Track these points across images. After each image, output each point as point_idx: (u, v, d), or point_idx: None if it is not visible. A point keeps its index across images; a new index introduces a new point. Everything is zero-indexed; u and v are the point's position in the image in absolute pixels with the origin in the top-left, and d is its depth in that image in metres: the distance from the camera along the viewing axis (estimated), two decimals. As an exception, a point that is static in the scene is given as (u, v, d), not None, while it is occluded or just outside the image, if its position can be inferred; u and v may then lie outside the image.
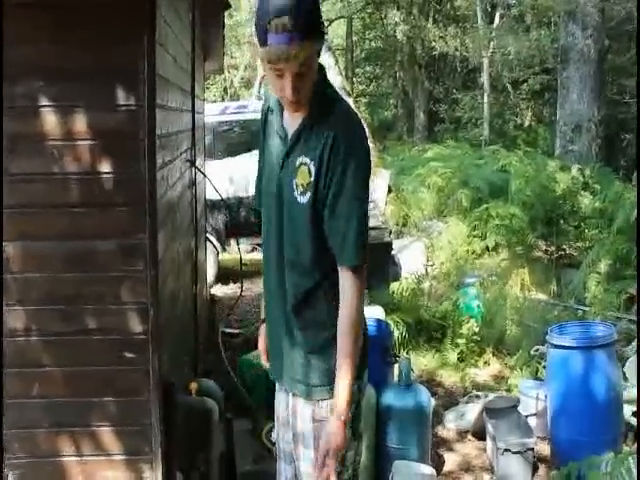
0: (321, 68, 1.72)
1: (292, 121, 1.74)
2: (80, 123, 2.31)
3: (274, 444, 2.01)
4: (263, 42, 1.58)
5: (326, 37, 1.62)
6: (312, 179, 1.68)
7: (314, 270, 1.74)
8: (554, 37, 13.72)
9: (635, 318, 4.29)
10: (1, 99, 2.26)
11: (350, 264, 1.69)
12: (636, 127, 9.36)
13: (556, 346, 3.37)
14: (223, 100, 18.17)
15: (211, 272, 6.41)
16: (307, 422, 1.79)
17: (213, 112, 7.97)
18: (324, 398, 1.76)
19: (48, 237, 2.34)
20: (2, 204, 2.30)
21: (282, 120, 1.77)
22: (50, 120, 2.30)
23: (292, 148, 1.73)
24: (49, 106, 2.30)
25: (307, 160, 1.69)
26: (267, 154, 1.83)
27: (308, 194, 1.69)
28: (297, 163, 1.71)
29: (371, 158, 1.77)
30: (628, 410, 3.45)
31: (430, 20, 17.43)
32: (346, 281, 1.69)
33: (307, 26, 1.57)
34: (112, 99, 2.33)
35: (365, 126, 1.79)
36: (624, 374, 3.70)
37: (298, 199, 1.71)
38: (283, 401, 1.89)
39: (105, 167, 2.34)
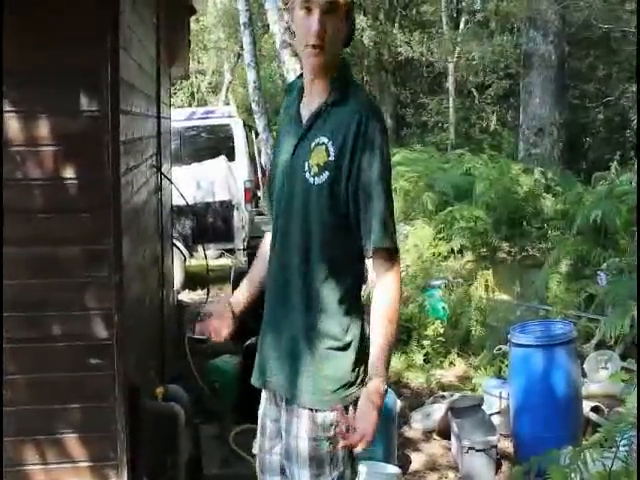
0: (345, 62, 1.75)
1: (309, 105, 1.73)
2: (43, 128, 2.32)
3: (254, 455, 1.92)
4: None
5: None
6: (331, 158, 1.64)
7: (323, 259, 1.66)
8: (517, 43, 13.99)
9: (594, 316, 4.41)
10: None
11: (388, 246, 1.64)
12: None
13: (517, 345, 3.44)
14: (190, 105, 18.09)
15: (178, 278, 6.39)
16: (303, 440, 1.69)
17: (180, 117, 7.98)
18: (324, 409, 1.67)
19: (11, 243, 2.32)
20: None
21: (299, 107, 1.76)
22: (12, 125, 2.30)
23: (307, 130, 1.70)
24: (11, 111, 2.29)
25: (325, 140, 1.66)
26: (280, 151, 1.79)
27: (325, 173, 1.64)
28: (312, 144, 1.67)
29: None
30: (587, 405, 3.54)
31: (396, 26, 17.60)
32: (383, 265, 1.64)
33: None
34: (75, 104, 2.33)
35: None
36: (583, 370, 3.79)
37: (310, 180, 1.65)
38: (273, 413, 1.79)
39: (69, 172, 2.34)
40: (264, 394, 1.85)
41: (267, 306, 1.80)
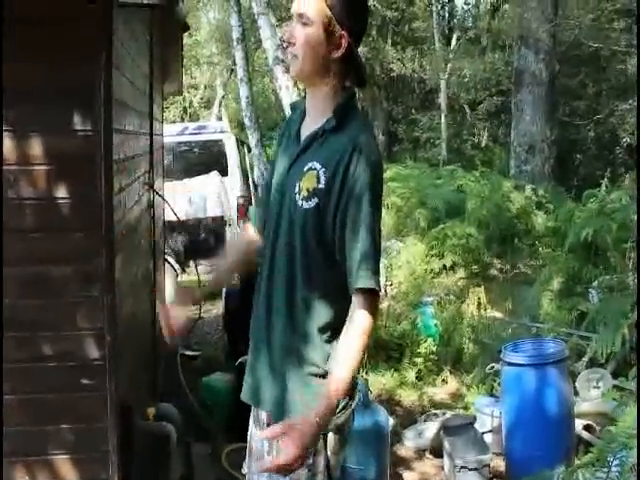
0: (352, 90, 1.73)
1: (309, 126, 1.73)
2: (36, 147, 2.31)
3: (243, 476, 1.91)
4: None
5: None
6: (321, 186, 1.63)
7: (306, 284, 1.66)
8: (508, 60, 14.12)
9: (585, 334, 4.43)
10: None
11: (370, 287, 1.59)
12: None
13: (509, 363, 3.45)
14: (182, 120, 18.12)
15: (169, 294, 6.36)
16: None
17: (172, 133, 7.98)
18: None
19: (4, 262, 2.31)
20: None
21: (300, 126, 1.76)
22: (5, 144, 2.29)
23: (303, 152, 1.70)
24: (4, 130, 2.29)
25: (317, 166, 1.65)
26: (278, 165, 1.80)
27: (314, 200, 1.63)
28: (305, 167, 1.67)
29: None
30: (579, 424, 3.54)
31: (389, 42, 17.74)
32: (361, 304, 1.60)
33: None
34: (68, 123, 2.33)
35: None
36: (575, 389, 3.80)
37: (299, 203, 1.65)
38: (258, 436, 1.78)
39: (61, 192, 2.34)
40: (251, 414, 1.84)
41: (253, 321, 1.79)
